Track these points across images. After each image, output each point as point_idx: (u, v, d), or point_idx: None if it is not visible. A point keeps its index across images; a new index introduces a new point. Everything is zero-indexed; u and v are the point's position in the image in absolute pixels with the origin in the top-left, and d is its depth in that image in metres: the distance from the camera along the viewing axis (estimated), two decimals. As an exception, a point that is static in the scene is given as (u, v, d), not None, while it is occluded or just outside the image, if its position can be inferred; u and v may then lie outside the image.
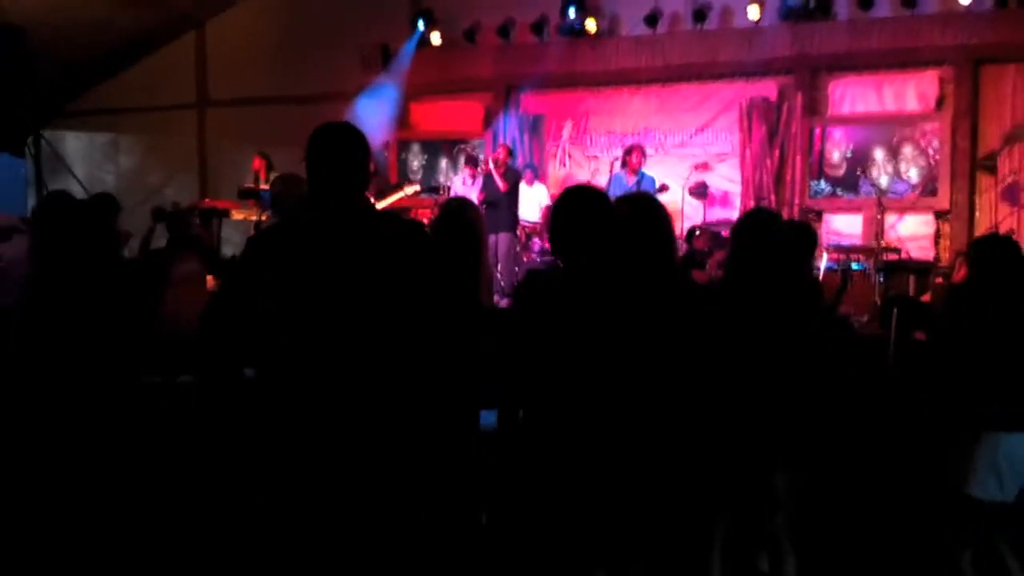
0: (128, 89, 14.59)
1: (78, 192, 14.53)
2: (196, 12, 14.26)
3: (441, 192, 11.40)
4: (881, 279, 9.22)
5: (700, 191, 11.40)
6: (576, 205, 3.52)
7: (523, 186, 11.08)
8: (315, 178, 3.20)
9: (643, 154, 10.14)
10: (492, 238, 10.04)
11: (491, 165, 10.21)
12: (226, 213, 10.32)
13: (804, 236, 4.75)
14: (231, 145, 14.03)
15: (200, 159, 14.52)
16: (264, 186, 10.62)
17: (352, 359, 3.00)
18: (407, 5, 13.12)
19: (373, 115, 12.49)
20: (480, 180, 10.51)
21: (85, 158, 15.08)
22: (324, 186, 3.17)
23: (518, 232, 10.67)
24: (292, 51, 13.62)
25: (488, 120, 12.53)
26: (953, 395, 4.16)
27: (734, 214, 11.44)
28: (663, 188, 10.12)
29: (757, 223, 4.05)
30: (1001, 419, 3.97)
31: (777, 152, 11.28)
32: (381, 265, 3.07)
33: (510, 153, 10.51)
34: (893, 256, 9.59)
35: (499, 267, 10.06)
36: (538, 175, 11.70)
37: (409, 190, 9.93)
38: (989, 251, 4.21)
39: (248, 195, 10.29)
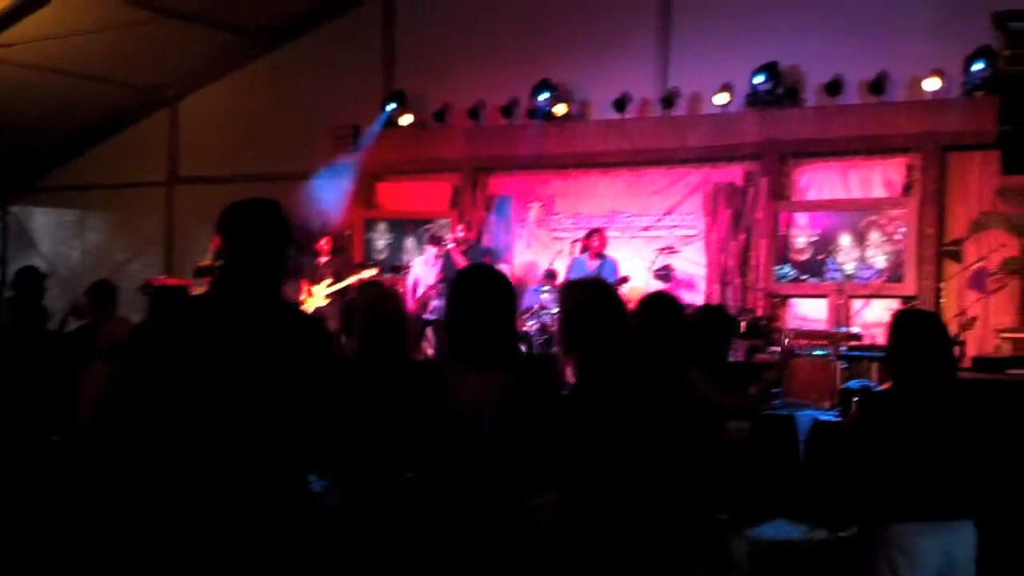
0: (98, 166, 14.58)
1: (41, 267, 14.42)
2: (170, 90, 14.31)
3: (402, 272, 11.25)
4: (844, 365, 9.02)
5: (664, 275, 11.25)
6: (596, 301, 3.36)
7: None
8: (228, 261, 2.94)
9: (604, 238, 10.03)
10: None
11: (451, 245, 10.06)
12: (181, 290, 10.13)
13: (716, 319, 4.61)
14: (199, 223, 13.88)
15: (167, 236, 14.40)
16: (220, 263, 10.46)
17: (228, 453, 2.77)
18: (380, 86, 13.18)
19: (334, 193, 12.44)
20: (442, 260, 10.38)
21: (51, 234, 14.97)
22: (235, 272, 2.93)
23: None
24: (265, 130, 13.65)
25: (455, 200, 12.45)
26: (855, 486, 3.96)
27: (699, 298, 11.29)
28: (624, 280, 10.00)
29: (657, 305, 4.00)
30: (895, 509, 3.72)
31: (743, 236, 11.19)
32: (266, 362, 2.80)
33: (471, 232, 10.38)
34: (854, 342, 9.40)
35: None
36: (499, 258, 11.60)
37: (366, 273, 9.81)
38: (903, 324, 3.98)
39: (203, 273, 10.13)
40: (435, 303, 10.33)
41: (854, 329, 9.69)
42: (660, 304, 3.97)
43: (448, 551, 2.95)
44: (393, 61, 13.34)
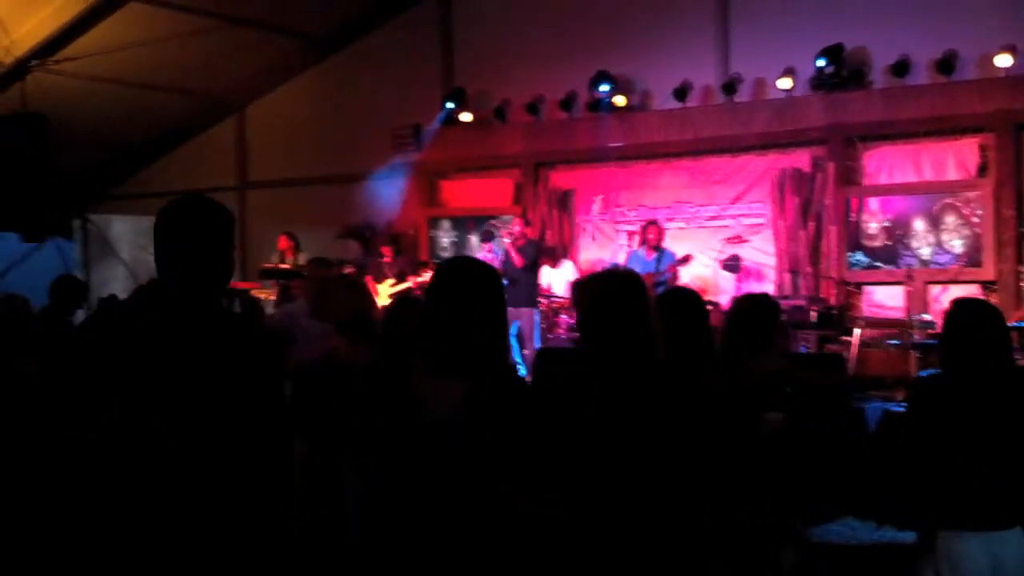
0: (172, 172, 14.87)
1: (122, 273, 14.79)
2: (237, 98, 14.53)
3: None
4: (919, 355, 8.78)
5: (732, 265, 11.06)
6: (613, 293, 3.20)
7: (546, 268, 11.05)
8: (164, 267, 2.72)
9: (660, 229, 9.89)
10: (512, 313, 9.82)
11: (507, 240, 10.03)
12: (245, 293, 10.28)
13: (754, 308, 4.49)
14: (269, 226, 14.11)
15: (240, 239, 14.58)
16: (286, 266, 10.62)
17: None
18: (439, 85, 13.19)
19: (395, 193, 12.53)
20: (498, 255, 10.35)
21: (130, 241, 15.29)
22: (174, 281, 2.71)
23: (541, 308, 10.45)
24: (329, 133, 13.81)
25: (518, 196, 12.41)
26: (907, 485, 3.81)
27: (769, 288, 11.08)
28: (686, 259, 9.84)
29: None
30: (941, 514, 3.57)
31: (812, 224, 10.93)
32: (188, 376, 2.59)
33: (528, 226, 10.32)
34: (930, 331, 9.11)
35: (524, 344, 9.83)
36: (563, 255, 11.54)
37: (427, 275, 9.83)
38: (954, 312, 3.82)
39: (270, 275, 10.26)
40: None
41: (927, 316, 9.39)
42: (678, 301, 3.88)
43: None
44: (452, 59, 13.34)
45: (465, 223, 12.43)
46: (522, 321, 9.88)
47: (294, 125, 14.16)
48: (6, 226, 15.13)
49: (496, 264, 10.26)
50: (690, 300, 3.90)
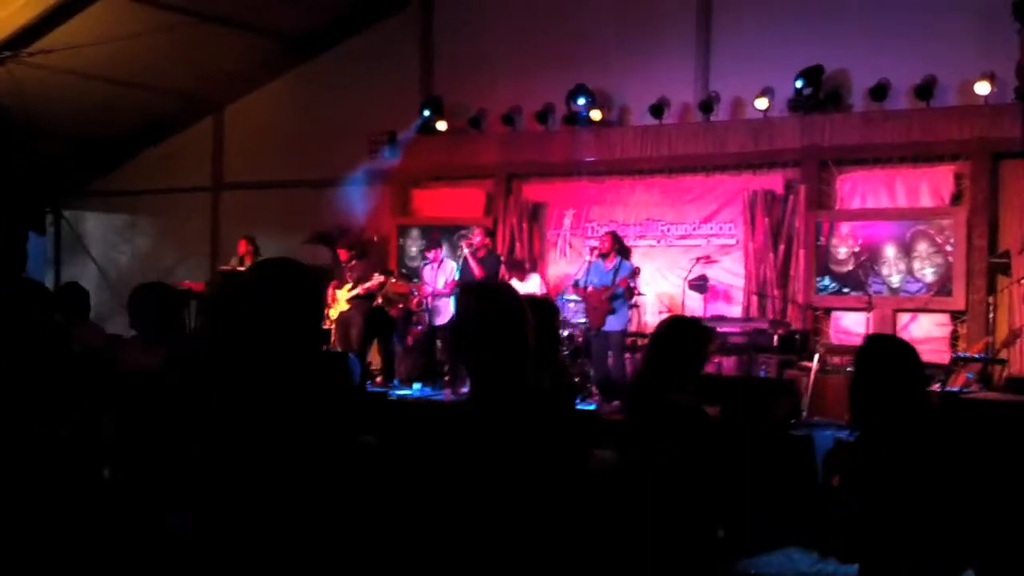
0: (147, 171, 14.76)
1: (92, 271, 14.64)
2: (216, 98, 14.40)
3: (414, 279, 11.09)
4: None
5: (700, 285, 10.88)
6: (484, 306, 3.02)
7: (514, 281, 10.87)
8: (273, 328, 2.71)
9: (614, 239, 9.71)
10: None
11: (467, 250, 9.81)
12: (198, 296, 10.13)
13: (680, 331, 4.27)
14: (243, 227, 13.96)
15: (212, 241, 14.47)
16: (242, 269, 10.46)
17: None
18: (418, 93, 13.05)
19: (365, 199, 12.39)
20: (445, 265, 10.17)
21: (103, 239, 15.17)
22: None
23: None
24: (305, 137, 13.67)
25: (489, 207, 12.24)
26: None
27: (736, 309, 10.90)
28: (635, 272, 9.67)
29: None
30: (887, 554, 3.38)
31: (782, 246, 10.75)
32: None
33: (489, 236, 10.12)
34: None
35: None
36: (532, 268, 11.38)
37: (377, 279, 9.71)
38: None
39: (226, 278, 10.11)
40: (443, 308, 10.14)
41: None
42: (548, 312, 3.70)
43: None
44: (431, 68, 13.21)
45: (433, 232, 12.25)
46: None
47: (271, 127, 14.02)
48: (-21, 219, 15.07)
49: (446, 273, 10.11)
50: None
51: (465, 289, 3.20)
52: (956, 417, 7.09)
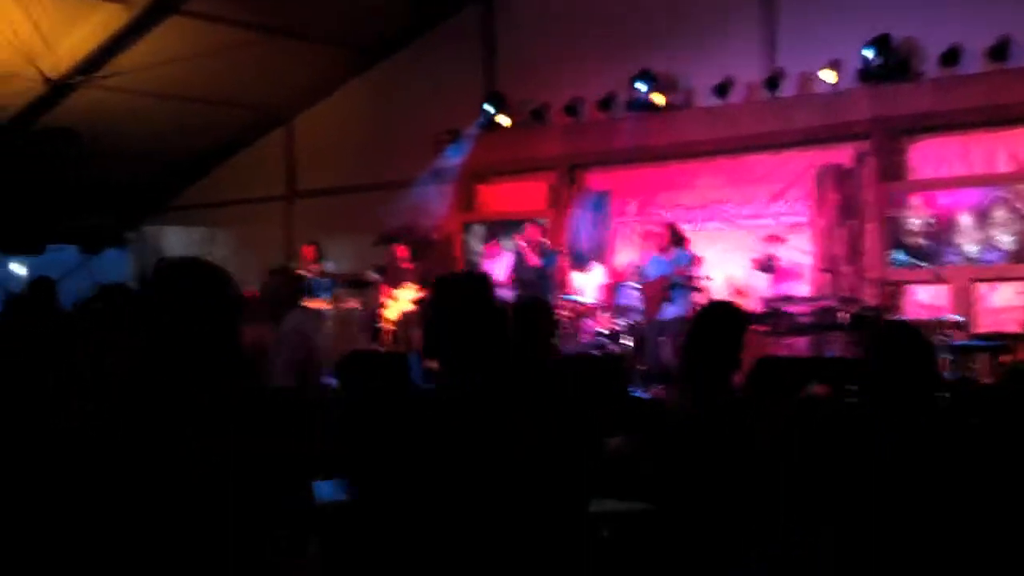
0: (223, 184, 15.09)
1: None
2: (285, 109, 14.64)
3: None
4: (951, 358, 8.20)
5: (768, 265, 10.60)
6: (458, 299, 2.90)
7: (576, 274, 10.84)
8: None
9: (672, 233, 9.52)
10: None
11: (522, 243, 9.70)
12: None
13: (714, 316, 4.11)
14: (318, 233, 14.17)
15: (288, 248, 14.69)
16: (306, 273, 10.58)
17: None
18: (482, 90, 13.05)
19: (437, 199, 12.42)
20: (505, 257, 10.11)
21: (182, 251, 15.52)
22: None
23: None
24: (374, 141, 13.80)
25: (554, 199, 12.15)
26: None
27: (806, 288, 10.58)
28: (694, 261, 9.47)
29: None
30: None
31: (853, 222, 10.39)
32: None
33: (542, 231, 10.00)
34: (956, 331, 8.54)
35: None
36: (594, 259, 11.26)
37: None
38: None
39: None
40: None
41: (956, 317, 8.79)
42: (531, 311, 3.60)
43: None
44: (493, 64, 13.19)
45: (499, 227, 12.21)
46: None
47: (341, 134, 14.19)
48: (65, 239, 15.62)
49: (505, 266, 10.04)
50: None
51: (434, 282, 3.10)
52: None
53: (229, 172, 15.08)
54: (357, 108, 14.18)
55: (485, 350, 2.80)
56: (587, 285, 11.02)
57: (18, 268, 18.66)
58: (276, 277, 6.58)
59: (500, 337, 2.88)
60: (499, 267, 10.23)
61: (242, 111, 14.36)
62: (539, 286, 9.63)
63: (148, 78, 12.35)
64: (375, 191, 13.67)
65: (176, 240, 15.64)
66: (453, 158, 12.67)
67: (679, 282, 9.16)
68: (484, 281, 2.96)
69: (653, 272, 9.40)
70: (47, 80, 11.82)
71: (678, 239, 9.54)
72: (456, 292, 2.91)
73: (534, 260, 9.49)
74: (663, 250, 9.46)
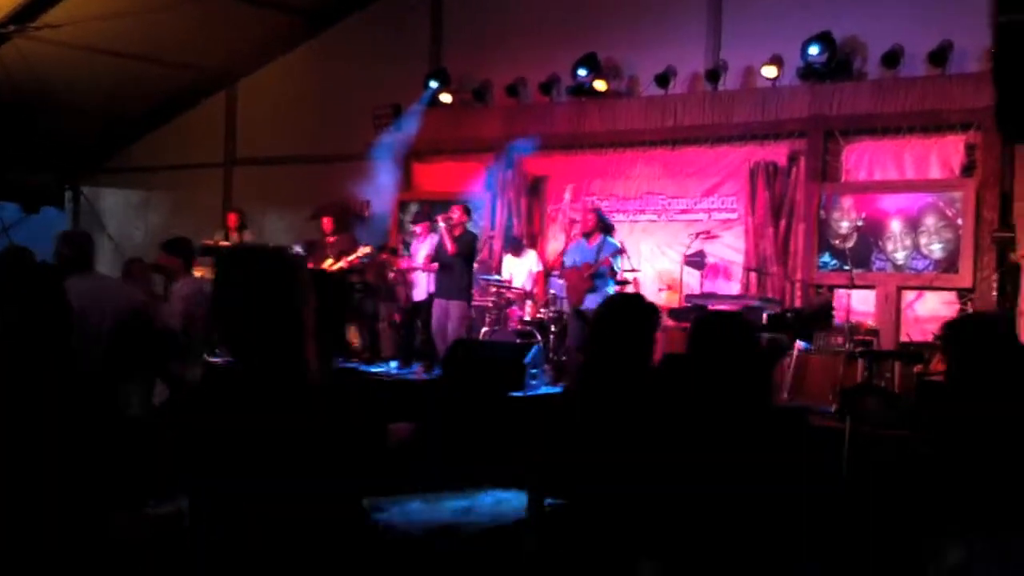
0: (161, 147, 14.77)
1: (109, 247, 14.72)
2: (229, 72, 14.33)
3: (399, 252, 10.85)
4: (865, 365, 8.11)
5: (697, 261, 10.49)
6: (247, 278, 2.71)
7: (509, 257, 10.65)
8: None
9: (597, 217, 9.34)
10: (442, 304, 9.41)
11: (443, 225, 9.49)
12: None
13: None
14: (256, 203, 13.93)
15: (225, 216, 14.41)
16: (225, 243, 10.38)
17: None
18: (427, 65, 12.80)
19: (375, 174, 12.19)
20: (432, 238, 9.89)
21: (118, 214, 15.24)
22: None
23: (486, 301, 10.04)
24: (316, 111, 13.53)
25: (489, 181, 11.95)
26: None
27: (735, 287, 10.47)
28: (619, 251, 9.28)
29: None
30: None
31: (783, 221, 10.27)
32: None
33: (467, 213, 9.79)
34: (870, 338, 8.45)
35: (446, 337, 9.32)
36: (530, 244, 11.11)
37: (362, 251, 9.49)
38: (965, 335, 3.33)
39: (207, 252, 9.99)
40: (417, 282, 9.92)
41: (870, 323, 8.71)
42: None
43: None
44: (441, 39, 12.96)
45: (424, 206, 11.99)
46: (450, 312, 9.36)
47: (282, 102, 13.88)
48: (5, 196, 15.29)
49: (430, 246, 9.85)
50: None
51: (224, 256, 2.88)
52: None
53: (169, 135, 14.76)
54: (301, 76, 13.87)
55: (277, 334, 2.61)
56: (519, 271, 10.86)
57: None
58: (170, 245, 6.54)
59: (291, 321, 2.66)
60: (423, 248, 10.01)
61: (184, 72, 14.02)
62: (457, 272, 9.42)
63: (86, 32, 12.02)
64: (315, 163, 13.44)
65: (113, 202, 15.33)
66: (394, 133, 12.42)
67: (603, 272, 8.98)
68: (290, 262, 2.75)
69: (575, 259, 9.21)
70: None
71: (605, 226, 9.35)
72: (251, 269, 2.71)
73: (452, 246, 9.25)
74: (587, 236, 9.26)
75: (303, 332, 2.63)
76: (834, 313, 9.05)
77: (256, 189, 14.02)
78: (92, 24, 11.87)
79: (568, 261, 9.38)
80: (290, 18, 13.53)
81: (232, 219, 11.07)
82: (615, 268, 9.19)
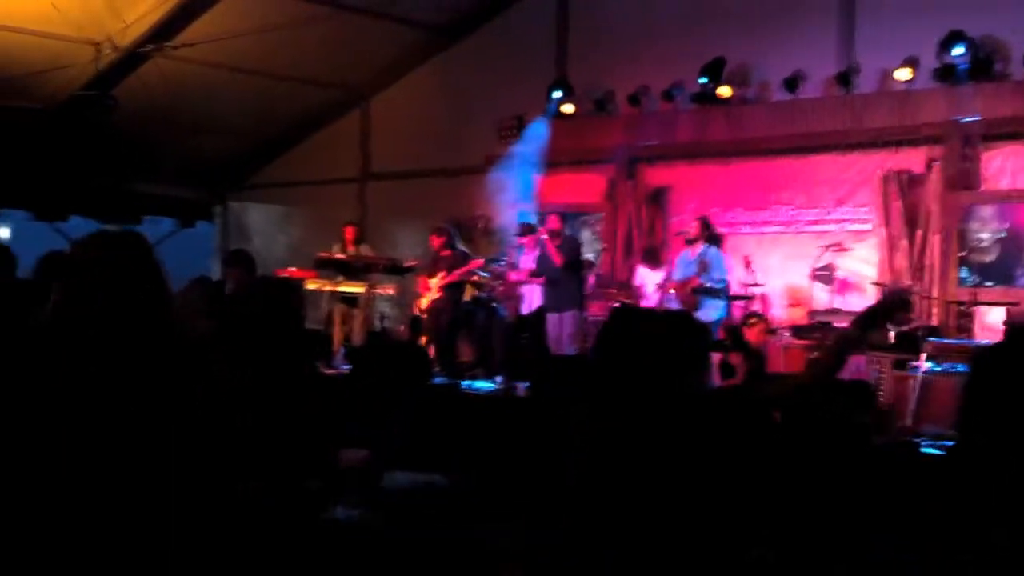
0: (301, 163, 15.13)
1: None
2: (363, 89, 14.55)
3: (506, 265, 10.69)
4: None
5: (826, 276, 9.93)
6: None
7: (643, 268, 10.37)
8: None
9: (703, 226, 8.92)
10: (555, 317, 9.19)
11: (544, 237, 9.26)
12: (298, 283, 10.20)
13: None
14: (390, 216, 14.09)
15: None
16: (341, 256, 10.50)
17: None
18: (552, 76, 12.64)
19: (499, 187, 12.12)
20: (536, 251, 9.69)
21: (262, 229, 15.70)
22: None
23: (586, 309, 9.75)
24: (445, 125, 13.59)
25: (611, 193, 11.67)
26: None
27: (867, 303, 9.83)
28: (727, 262, 8.82)
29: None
30: None
31: (919, 232, 9.59)
32: None
33: (563, 221, 9.55)
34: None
35: (564, 350, 9.09)
36: (659, 257, 10.73)
37: (473, 264, 9.43)
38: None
39: (322, 264, 10.14)
40: (526, 295, 9.71)
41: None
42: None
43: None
44: (566, 49, 12.78)
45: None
46: (563, 323, 9.13)
47: (413, 117, 14.01)
48: (162, 212, 16.06)
49: (530, 258, 9.66)
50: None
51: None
52: None
53: (308, 151, 15.12)
54: (431, 90, 13.96)
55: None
56: (652, 282, 10.47)
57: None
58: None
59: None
60: (530, 260, 9.85)
61: (320, 90, 14.32)
62: (566, 282, 9.19)
63: (223, 51, 12.32)
64: (443, 176, 13.48)
65: (257, 217, 15.82)
66: (517, 145, 12.32)
67: (706, 286, 8.58)
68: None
69: (680, 273, 8.85)
70: (116, 48, 11.96)
71: (710, 236, 8.93)
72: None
73: (558, 256, 9.02)
74: (691, 244, 8.88)
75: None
76: (912, 301, 8.32)
77: (389, 203, 14.17)
78: (226, 44, 12.22)
79: (676, 275, 9.02)
80: (420, 34, 13.64)
81: (349, 232, 11.18)
82: (715, 280, 8.75)
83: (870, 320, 3.41)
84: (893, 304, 7.79)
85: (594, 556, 2.65)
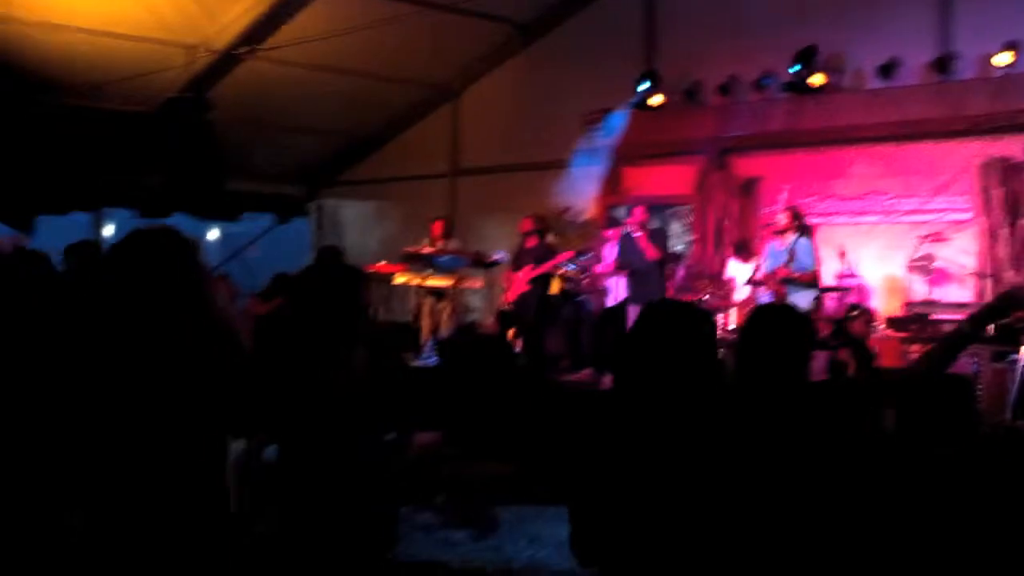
0: (391, 160, 15.31)
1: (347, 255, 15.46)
2: (453, 85, 14.66)
3: (593, 257, 10.62)
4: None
5: (924, 267, 9.66)
6: None
7: (734, 261, 10.25)
8: None
9: (793, 216, 8.73)
10: (638, 310, 9.11)
11: (639, 233, 9.16)
12: (387, 277, 10.36)
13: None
14: (480, 211, 14.17)
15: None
16: (430, 249, 10.59)
17: None
18: (641, 67, 12.55)
19: (586, 180, 12.08)
20: (618, 244, 9.61)
21: (356, 225, 15.93)
22: None
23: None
24: (534, 119, 13.60)
25: (701, 184, 11.53)
26: None
27: (967, 295, 9.56)
28: (816, 253, 8.63)
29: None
30: None
31: (1021, 222, 9.28)
32: None
33: (648, 211, 9.44)
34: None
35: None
36: (751, 250, 10.57)
37: (561, 257, 9.42)
38: None
39: (408, 258, 10.26)
40: (611, 288, 9.63)
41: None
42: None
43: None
44: (654, 40, 12.67)
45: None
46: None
47: (503, 112, 14.06)
48: (259, 208, 16.45)
49: (615, 251, 9.58)
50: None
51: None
52: None
53: (397, 148, 15.29)
54: (519, 85, 13.98)
55: None
56: (742, 275, 10.34)
57: (212, 234, 19.90)
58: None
59: None
60: (613, 252, 9.80)
61: (410, 87, 14.47)
62: (656, 276, 9.11)
63: (314, 52, 12.48)
64: (532, 170, 13.48)
65: (350, 214, 16.06)
66: (604, 138, 12.27)
67: (795, 276, 8.41)
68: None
69: (769, 264, 8.70)
70: (211, 51, 12.26)
71: (800, 226, 8.75)
72: None
73: (653, 250, 8.91)
74: (780, 236, 8.72)
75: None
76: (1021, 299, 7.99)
77: (479, 198, 14.25)
78: (317, 44, 12.41)
79: (766, 266, 8.88)
80: (507, 29, 13.67)
81: (437, 227, 11.26)
82: (802, 269, 8.55)
83: (987, 317, 3.34)
84: (1011, 302, 7.54)
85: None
